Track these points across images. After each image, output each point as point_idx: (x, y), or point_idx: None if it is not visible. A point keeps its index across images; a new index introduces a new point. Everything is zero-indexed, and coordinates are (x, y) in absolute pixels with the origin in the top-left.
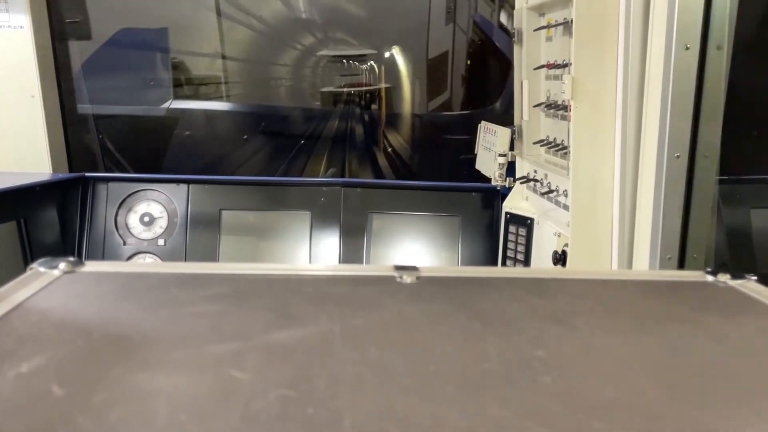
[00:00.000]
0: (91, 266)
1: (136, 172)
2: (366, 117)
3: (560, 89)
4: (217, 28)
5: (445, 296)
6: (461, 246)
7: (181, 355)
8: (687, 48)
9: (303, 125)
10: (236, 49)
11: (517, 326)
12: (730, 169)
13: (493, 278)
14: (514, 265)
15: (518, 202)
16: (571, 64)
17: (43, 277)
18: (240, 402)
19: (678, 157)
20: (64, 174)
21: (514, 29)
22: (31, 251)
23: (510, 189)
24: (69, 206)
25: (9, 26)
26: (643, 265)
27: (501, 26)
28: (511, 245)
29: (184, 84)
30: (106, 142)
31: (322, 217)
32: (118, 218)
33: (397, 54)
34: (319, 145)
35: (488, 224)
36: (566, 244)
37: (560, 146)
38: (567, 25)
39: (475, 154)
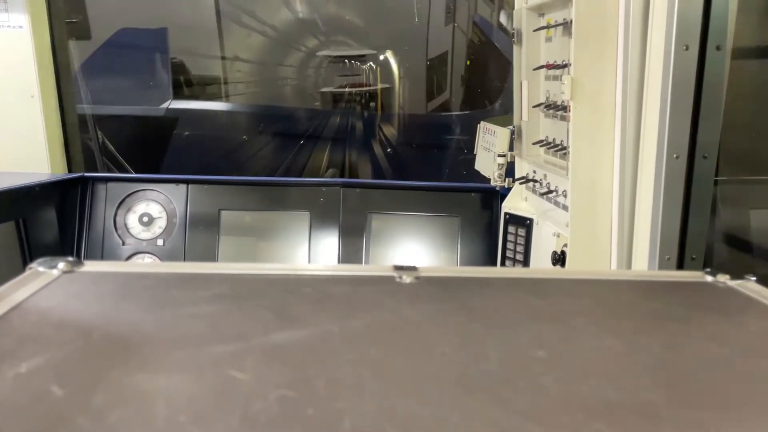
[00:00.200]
0: (90, 266)
1: (137, 172)
2: (365, 114)
3: (560, 90)
4: (217, 28)
5: (444, 296)
6: (460, 246)
7: (180, 356)
8: (686, 48)
9: (303, 124)
10: (236, 50)
11: (516, 326)
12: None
13: (492, 278)
14: (513, 265)
15: (517, 202)
16: (570, 64)
17: (42, 277)
18: (239, 403)
19: (677, 157)
20: (63, 174)
21: (513, 29)
22: (30, 251)
23: (509, 189)
24: (68, 206)
25: (8, 26)
26: (642, 266)
27: (500, 26)
28: (510, 245)
29: (184, 84)
30: (105, 142)
31: (321, 218)
32: (117, 218)
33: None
34: (320, 145)
35: (487, 224)
36: (565, 245)
37: (559, 147)
38: (567, 25)
39: (474, 154)
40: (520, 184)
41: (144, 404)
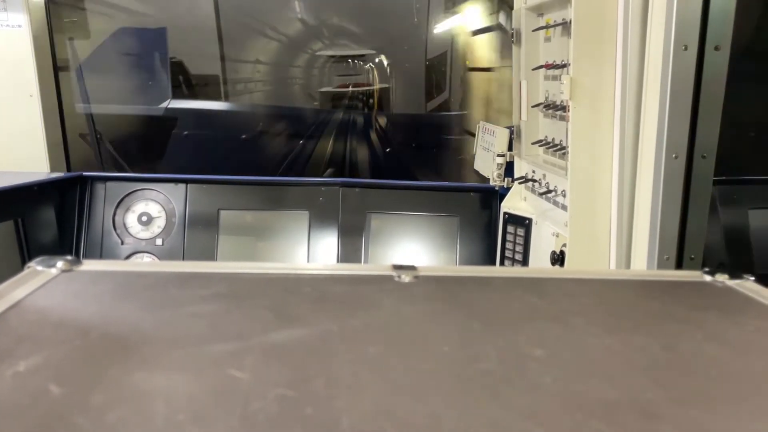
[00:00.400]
0: (88, 265)
1: (134, 171)
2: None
3: (559, 89)
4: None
5: (443, 295)
6: (459, 246)
7: (179, 355)
8: (685, 48)
9: (302, 124)
10: (236, 50)
11: (515, 326)
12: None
13: (491, 278)
14: (513, 265)
15: (516, 202)
16: (569, 64)
17: (41, 276)
18: (238, 402)
19: (676, 157)
20: (62, 173)
21: (512, 29)
22: (28, 250)
23: (508, 189)
24: (67, 205)
25: (7, 25)
26: (641, 265)
27: (500, 27)
28: (509, 245)
29: (183, 84)
30: (104, 142)
31: (320, 217)
32: (116, 218)
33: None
34: (320, 145)
35: (486, 224)
36: (564, 244)
37: (558, 146)
38: (566, 25)
39: (473, 154)
40: (519, 183)
41: (143, 403)
